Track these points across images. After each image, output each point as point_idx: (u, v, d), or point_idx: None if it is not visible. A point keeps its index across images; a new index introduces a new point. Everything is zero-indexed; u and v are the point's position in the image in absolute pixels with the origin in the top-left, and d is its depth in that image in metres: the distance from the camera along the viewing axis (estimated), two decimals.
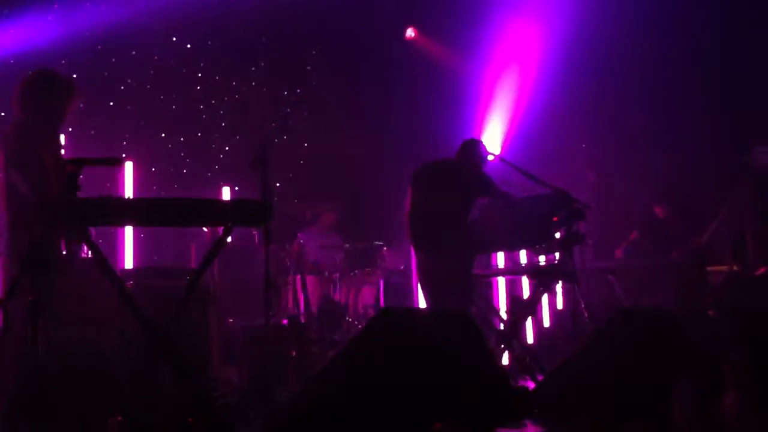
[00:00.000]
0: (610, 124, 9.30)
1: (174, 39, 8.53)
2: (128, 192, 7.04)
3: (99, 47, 8.01)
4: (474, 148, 6.14)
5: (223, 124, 8.68)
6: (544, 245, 6.04)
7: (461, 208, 5.90)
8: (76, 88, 4.61)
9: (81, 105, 4.72)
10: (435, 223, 5.84)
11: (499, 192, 5.93)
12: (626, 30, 8.71)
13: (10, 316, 3.62)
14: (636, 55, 8.81)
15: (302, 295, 6.48)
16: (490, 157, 6.45)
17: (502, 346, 6.02)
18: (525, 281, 8.16)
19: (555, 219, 5.87)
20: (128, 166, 7.12)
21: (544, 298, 7.97)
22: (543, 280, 6.04)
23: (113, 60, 8.09)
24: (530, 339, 8.15)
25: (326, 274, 7.35)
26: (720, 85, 8.45)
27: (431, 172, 6.07)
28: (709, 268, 7.29)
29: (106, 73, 8.08)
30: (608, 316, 4.66)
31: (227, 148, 8.69)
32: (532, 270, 6.28)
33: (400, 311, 5.51)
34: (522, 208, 6.01)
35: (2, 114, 7.53)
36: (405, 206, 6.07)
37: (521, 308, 6.50)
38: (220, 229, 3.77)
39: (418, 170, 6.13)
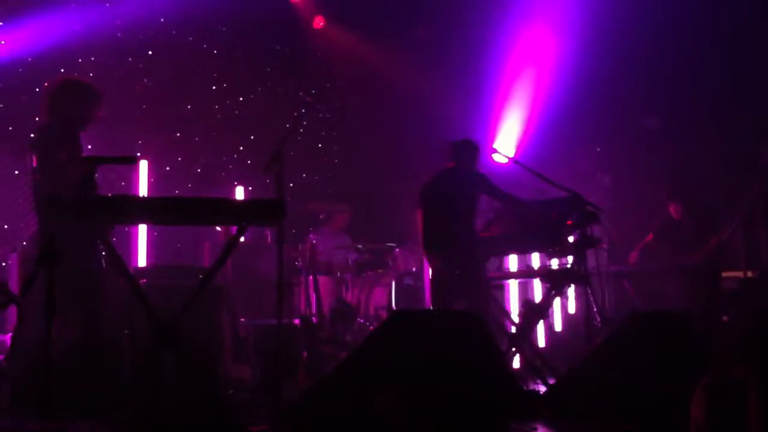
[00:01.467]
0: (625, 126, 9.26)
1: (190, 39, 8.58)
2: (143, 190, 7.08)
3: (115, 47, 8.05)
4: (462, 150, 6.15)
5: (237, 124, 8.72)
6: (557, 248, 6.03)
7: (461, 213, 5.95)
8: (100, 95, 4.76)
9: (101, 113, 4.80)
10: (445, 233, 5.89)
11: (500, 193, 5.95)
12: (642, 31, 8.67)
13: (25, 309, 3.65)
14: (651, 56, 8.78)
15: (314, 295, 6.49)
16: (503, 160, 6.45)
17: (514, 349, 6.01)
18: (537, 284, 8.14)
19: (569, 222, 5.86)
20: (143, 165, 7.16)
21: (556, 302, 7.94)
22: (555, 284, 6.02)
23: (129, 59, 8.14)
24: (542, 342, 8.13)
25: (338, 274, 7.36)
26: (736, 86, 8.39)
27: (435, 185, 6.12)
28: (723, 273, 7.25)
29: (122, 73, 8.13)
30: (621, 320, 4.65)
31: (241, 148, 8.72)
32: (545, 273, 6.26)
33: (411, 313, 5.53)
34: (535, 211, 6.00)
35: (14, 112, 7.60)
36: (417, 223, 6.16)
37: (533, 311, 6.48)
38: (234, 229, 3.79)
39: (423, 186, 6.20)
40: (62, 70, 7.80)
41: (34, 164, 4.43)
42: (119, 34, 8.06)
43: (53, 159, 4.31)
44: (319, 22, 9.20)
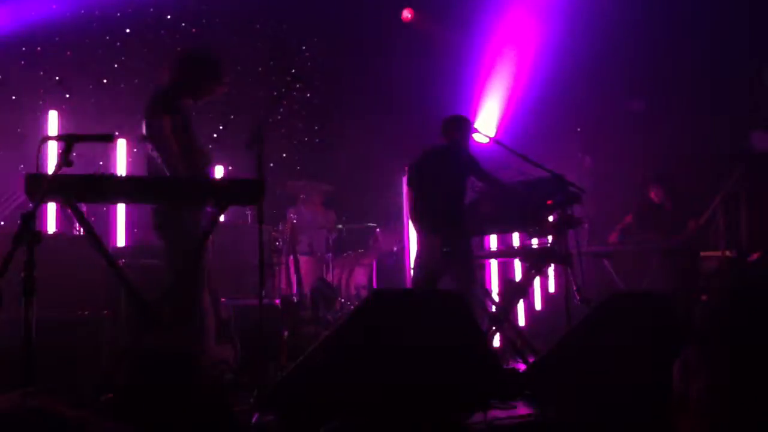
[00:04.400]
0: (606, 107, 9.28)
1: (168, 17, 8.48)
2: (121, 169, 7.02)
3: (93, 25, 7.95)
4: (456, 125, 6.11)
5: (217, 104, 8.64)
6: (537, 228, 6.05)
7: (455, 191, 5.93)
8: (226, 74, 4.61)
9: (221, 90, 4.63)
10: (432, 211, 5.89)
11: (486, 176, 5.93)
12: (623, 14, 8.67)
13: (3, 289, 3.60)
14: (633, 38, 8.79)
15: (295, 275, 6.47)
16: (484, 140, 6.44)
17: (494, 328, 6.03)
18: (517, 264, 8.18)
19: (549, 202, 5.87)
20: (121, 144, 7.09)
21: (536, 281, 7.98)
22: (535, 263, 6.04)
23: (107, 38, 8.05)
24: (522, 321, 8.18)
25: (319, 255, 7.34)
26: (718, 69, 8.42)
27: (423, 161, 6.10)
28: (702, 254, 7.31)
29: (99, 51, 8.04)
30: (601, 299, 4.67)
31: (221, 127, 8.66)
32: (525, 253, 6.28)
33: (391, 292, 5.53)
34: (516, 191, 6.01)
35: None
36: (408, 199, 6.17)
37: (513, 291, 6.51)
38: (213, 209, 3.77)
39: (413, 162, 6.18)
40: (38, 49, 7.71)
41: (143, 132, 4.27)
42: (96, 12, 7.96)
43: (158, 127, 4.15)
44: (407, 15, 9.20)
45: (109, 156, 7.10)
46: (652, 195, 7.86)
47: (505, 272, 8.34)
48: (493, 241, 8.11)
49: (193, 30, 8.64)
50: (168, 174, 4.07)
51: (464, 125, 6.12)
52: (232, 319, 5.44)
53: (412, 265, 6.45)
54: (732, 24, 8.19)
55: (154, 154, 4.17)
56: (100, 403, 3.37)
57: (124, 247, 6.55)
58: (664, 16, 8.60)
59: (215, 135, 8.62)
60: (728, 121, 8.26)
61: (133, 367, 3.03)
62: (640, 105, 9.18)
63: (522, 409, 4.11)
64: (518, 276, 8.03)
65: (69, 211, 3.50)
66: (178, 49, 4.59)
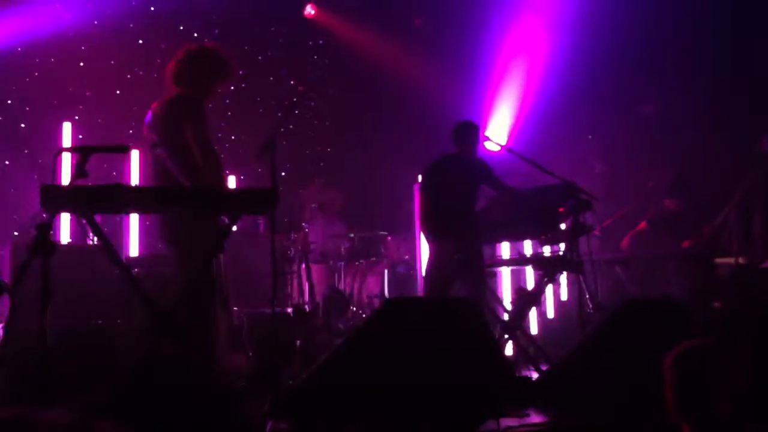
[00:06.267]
0: (619, 113, 9.25)
1: (181, 28, 8.54)
2: (134, 180, 7.07)
3: (107, 36, 8.01)
4: (466, 132, 6.14)
5: (230, 114, 8.68)
6: (549, 236, 6.05)
7: (466, 199, 5.94)
8: (231, 68, 4.48)
9: (222, 87, 4.50)
10: (445, 217, 5.90)
11: (499, 183, 5.94)
12: (636, 18, 8.66)
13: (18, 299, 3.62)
14: (646, 43, 8.77)
15: (307, 283, 6.49)
16: (496, 148, 6.46)
17: (507, 336, 6.03)
18: (530, 271, 8.16)
19: (561, 210, 5.87)
20: (134, 155, 7.14)
21: (549, 289, 7.96)
22: (548, 271, 6.04)
23: (120, 49, 8.10)
24: (534, 330, 8.15)
25: (331, 263, 7.36)
26: (733, 73, 8.38)
27: (435, 168, 6.13)
28: (716, 260, 7.26)
29: (112, 62, 8.09)
30: (614, 307, 4.66)
31: (233, 138, 8.70)
32: (537, 260, 6.28)
33: (404, 300, 5.54)
34: (528, 199, 6.02)
35: (9, 102, 7.57)
36: (421, 204, 6.21)
37: (526, 299, 6.50)
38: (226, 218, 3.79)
39: (425, 170, 6.21)
40: (52, 60, 7.77)
41: (155, 138, 4.21)
42: (109, 23, 8.01)
43: (177, 133, 4.09)
44: (310, 11, 9.15)
45: (124, 167, 7.15)
46: (668, 205, 7.80)
47: (518, 280, 8.33)
48: (505, 249, 8.10)
49: (206, 40, 8.68)
50: (185, 182, 4.07)
51: (473, 132, 6.15)
52: (244, 327, 5.47)
53: (423, 273, 6.46)
54: (748, 25, 8.16)
55: (170, 161, 4.16)
56: (112, 410, 3.40)
57: (137, 257, 6.59)
58: (678, 19, 8.57)
59: (227, 145, 8.66)
60: (746, 125, 8.20)
61: (144, 374, 3.05)
62: (652, 107, 9.14)
63: (535, 417, 4.10)
64: (530, 284, 8.01)
65: (84, 221, 3.53)
66: (181, 49, 4.50)
